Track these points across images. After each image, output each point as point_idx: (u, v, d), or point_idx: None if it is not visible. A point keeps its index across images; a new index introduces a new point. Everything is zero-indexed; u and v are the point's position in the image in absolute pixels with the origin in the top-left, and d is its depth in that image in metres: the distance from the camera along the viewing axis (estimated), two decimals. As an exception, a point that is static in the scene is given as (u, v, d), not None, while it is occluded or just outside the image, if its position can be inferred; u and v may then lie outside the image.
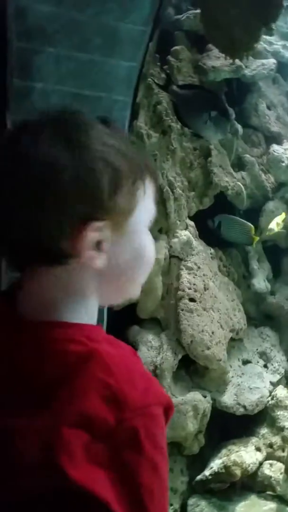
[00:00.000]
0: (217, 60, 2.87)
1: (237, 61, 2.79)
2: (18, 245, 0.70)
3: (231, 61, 2.81)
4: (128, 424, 0.61)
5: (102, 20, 1.70)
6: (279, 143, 3.22)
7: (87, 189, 0.67)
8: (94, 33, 1.73)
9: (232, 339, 2.78)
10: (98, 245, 0.70)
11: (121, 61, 1.88)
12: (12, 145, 0.69)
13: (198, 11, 2.68)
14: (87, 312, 0.73)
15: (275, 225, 2.92)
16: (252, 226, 2.80)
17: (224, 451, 2.42)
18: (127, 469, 0.60)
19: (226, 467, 2.24)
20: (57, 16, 1.66)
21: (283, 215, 3.00)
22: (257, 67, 3.07)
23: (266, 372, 2.77)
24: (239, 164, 3.14)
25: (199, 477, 2.35)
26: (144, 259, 0.78)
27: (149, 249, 0.78)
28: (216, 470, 2.27)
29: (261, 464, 2.38)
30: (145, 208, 0.77)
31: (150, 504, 0.60)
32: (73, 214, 0.67)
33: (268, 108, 3.27)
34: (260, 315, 3.12)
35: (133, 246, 0.75)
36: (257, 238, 2.85)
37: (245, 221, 2.84)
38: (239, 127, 3.06)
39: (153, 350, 2.52)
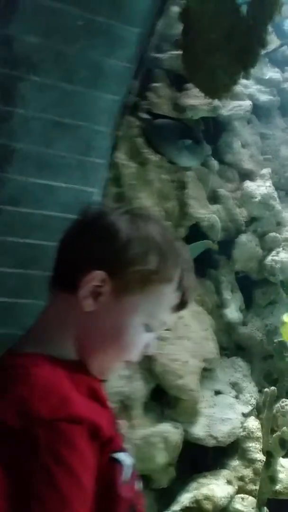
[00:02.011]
0: (195, 99, 2.99)
1: (215, 101, 2.93)
2: (59, 267, 0.87)
3: (209, 100, 2.95)
4: (30, 433, 0.66)
5: (88, 54, 1.78)
6: (252, 179, 3.35)
7: (117, 247, 0.82)
8: (79, 65, 1.80)
9: (204, 369, 2.78)
10: (96, 295, 0.81)
11: (104, 94, 1.95)
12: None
13: (180, 52, 2.82)
14: (60, 349, 0.80)
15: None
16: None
17: (194, 484, 2.38)
18: (21, 475, 0.64)
19: (197, 501, 2.20)
20: (44, 47, 1.73)
21: None
22: (233, 107, 3.22)
23: (238, 403, 2.77)
24: (214, 198, 3.24)
25: (168, 512, 2.29)
26: (120, 343, 0.82)
27: (129, 340, 0.83)
28: (187, 505, 2.22)
29: (232, 498, 2.34)
30: (150, 305, 0.83)
31: None
32: (96, 257, 0.82)
33: (243, 146, 3.41)
34: (232, 345, 3.14)
35: (117, 321, 0.82)
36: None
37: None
38: (215, 162, 3.18)
39: (122, 379, 2.50)
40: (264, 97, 3.55)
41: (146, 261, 0.82)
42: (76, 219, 0.90)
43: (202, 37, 2.43)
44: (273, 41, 3.55)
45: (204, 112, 3.03)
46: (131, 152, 2.77)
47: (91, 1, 1.71)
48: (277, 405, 2.66)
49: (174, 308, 0.87)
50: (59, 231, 0.92)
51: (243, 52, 2.26)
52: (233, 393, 2.89)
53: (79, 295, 0.81)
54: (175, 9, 2.63)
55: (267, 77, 3.60)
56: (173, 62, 3.03)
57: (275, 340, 3.07)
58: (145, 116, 2.57)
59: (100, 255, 0.82)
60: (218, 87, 2.56)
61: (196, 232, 3.05)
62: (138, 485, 0.86)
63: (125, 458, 0.81)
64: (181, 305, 0.88)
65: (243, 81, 3.33)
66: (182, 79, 3.02)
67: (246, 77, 2.36)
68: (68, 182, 1.96)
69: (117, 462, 0.79)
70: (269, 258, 3.18)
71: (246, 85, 3.48)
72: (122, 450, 0.82)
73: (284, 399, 2.78)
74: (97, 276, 0.81)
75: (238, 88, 3.26)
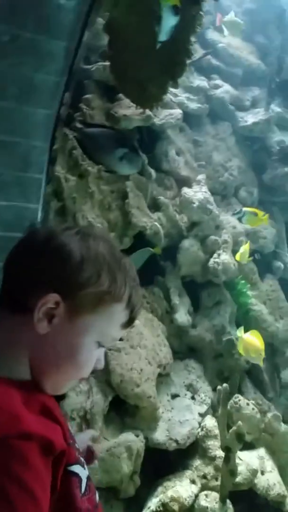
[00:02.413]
0: (128, 109, 3.05)
1: (147, 111, 3.00)
2: (9, 288, 0.86)
3: (141, 110, 3.01)
4: None
5: (18, 70, 1.76)
6: (189, 186, 3.45)
7: (70, 270, 0.83)
8: (10, 82, 1.78)
9: (159, 375, 2.82)
10: (51, 318, 0.82)
11: (37, 109, 1.94)
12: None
13: (107, 63, 2.87)
14: (12, 367, 0.81)
15: (244, 257, 3.13)
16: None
17: (160, 488, 2.40)
18: None
19: (163, 504, 2.22)
20: (-28, 65, 1.69)
21: (247, 245, 3.20)
22: (165, 116, 3.31)
23: (194, 404, 2.83)
24: (154, 206, 3.30)
25: (137, 520, 2.29)
26: (73, 362, 0.84)
27: (83, 358, 0.85)
28: (154, 509, 2.23)
29: (196, 496, 2.38)
30: (103, 323, 0.86)
31: None
32: (50, 280, 0.83)
33: (177, 154, 3.51)
34: (184, 348, 3.21)
35: (71, 342, 0.84)
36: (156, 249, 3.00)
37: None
38: (152, 171, 3.25)
39: (82, 395, 2.47)
40: (193, 105, 3.68)
41: (99, 283, 0.85)
42: (23, 239, 0.90)
43: (128, 49, 2.49)
44: (197, 51, 3.70)
45: (137, 122, 3.08)
46: (69, 165, 2.77)
47: (16, 17, 1.70)
48: (231, 401, 2.74)
49: (123, 325, 0.91)
50: (3, 251, 0.91)
51: (170, 62, 2.34)
52: (189, 394, 2.95)
53: (34, 317, 0.82)
54: (101, 21, 2.66)
55: (194, 85, 3.73)
56: (102, 73, 3.07)
57: (224, 339, 3.17)
58: (78, 125, 2.56)
59: (53, 277, 0.84)
60: (149, 97, 2.63)
61: (140, 241, 3.09)
62: (96, 497, 0.87)
63: (81, 470, 0.83)
64: (130, 322, 0.92)
65: (172, 90, 3.44)
66: (112, 90, 3.07)
67: (175, 86, 2.43)
68: (8, 199, 1.93)
69: (73, 474, 0.81)
70: (211, 260, 3.28)
71: (175, 94, 3.59)
72: (77, 462, 0.83)
73: (236, 395, 2.87)
74: (51, 299, 0.82)
75: (167, 97, 3.36)
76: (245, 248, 3.22)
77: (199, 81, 3.82)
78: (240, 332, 2.81)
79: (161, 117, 3.32)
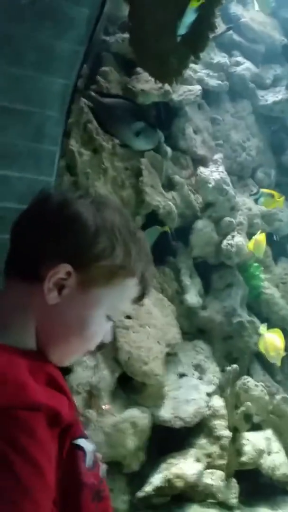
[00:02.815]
0: (146, 84, 2.98)
1: (166, 86, 2.92)
2: (19, 254, 0.84)
3: (159, 85, 2.94)
4: None
5: (37, 36, 1.71)
6: (205, 165, 3.39)
7: (84, 241, 0.81)
8: (28, 48, 1.74)
9: (167, 354, 2.82)
10: (61, 288, 0.80)
11: (54, 78, 1.89)
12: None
13: (127, 35, 2.79)
14: (19, 336, 0.79)
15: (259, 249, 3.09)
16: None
17: (164, 465, 2.42)
18: None
19: (167, 480, 2.24)
20: (-11, 30, 1.65)
21: (262, 235, 3.15)
22: (184, 92, 3.23)
23: (202, 384, 2.83)
24: (169, 185, 3.25)
25: (140, 494, 2.32)
26: (82, 334, 0.82)
27: (93, 331, 0.83)
28: (158, 485, 2.26)
29: (201, 474, 2.40)
30: (115, 297, 0.84)
31: None
32: (63, 250, 0.81)
33: (195, 132, 3.44)
34: (193, 328, 3.20)
35: (81, 314, 0.82)
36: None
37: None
38: (168, 149, 3.18)
39: (88, 370, 2.49)
40: (213, 82, 3.58)
41: (113, 256, 0.82)
42: (35, 204, 0.86)
43: (150, 21, 2.41)
44: (220, 26, 3.59)
45: (155, 97, 3.01)
46: (83, 139, 2.72)
47: (36, -20, 1.64)
48: (239, 382, 2.74)
49: (135, 300, 0.89)
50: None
51: (193, 35, 2.26)
52: (197, 374, 2.95)
53: (44, 287, 0.80)
54: (122, -10, 2.58)
55: (215, 62, 3.63)
56: (121, 46, 2.99)
57: (234, 321, 3.15)
58: (94, 96, 2.42)
59: (66, 248, 0.81)
60: (168, 71, 2.56)
61: (152, 220, 3.06)
62: (102, 471, 0.85)
63: (87, 444, 0.81)
64: (141, 297, 0.90)
65: (192, 66, 3.35)
66: (131, 63, 3.00)
67: (196, 60, 2.36)
68: (21, 171, 1.90)
69: (79, 448, 0.79)
70: (225, 242, 3.25)
71: (195, 70, 3.50)
72: (82, 436, 0.81)
73: (245, 376, 2.87)
74: (63, 269, 0.80)
75: (187, 72, 3.27)
76: (260, 240, 3.15)
77: (220, 58, 3.72)
78: (263, 329, 2.80)
79: (180, 93, 3.25)
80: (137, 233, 0.89)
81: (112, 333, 0.90)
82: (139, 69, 2.99)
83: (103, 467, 0.86)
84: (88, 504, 0.79)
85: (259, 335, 2.88)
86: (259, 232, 3.26)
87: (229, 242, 3.24)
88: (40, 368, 0.76)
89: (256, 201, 3.18)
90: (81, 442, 0.80)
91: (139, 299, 0.89)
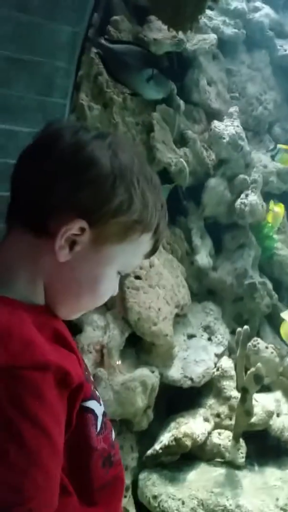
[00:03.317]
0: (158, 33, 2.80)
1: (180, 35, 2.75)
2: (25, 201, 0.76)
3: (173, 34, 2.76)
4: None
5: (43, -23, 1.58)
6: (220, 119, 3.24)
7: (101, 194, 0.74)
8: (34, -9, 1.60)
9: (177, 315, 2.81)
10: (73, 244, 0.75)
11: (63, 26, 1.76)
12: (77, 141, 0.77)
13: (139, -21, 2.60)
14: (25, 290, 0.73)
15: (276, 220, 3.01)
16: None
17: (173, 424, 2.46)
18: None
19: (176, 439, 2.28)
20: None
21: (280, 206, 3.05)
22: (198, 41, 3.05)
23: (211, 345, 2.84)
24: (181, 140, 3.13)
25: (149, 452, 2.37)
26: (94, 291, 0.79)
27: (104, 288, 0.80)
28: (167, 443, 2.30)
29: (209, 433, 2.45)
30: (129, 254, 0.80)
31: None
32: (77, 203, 0.74)
33: (209, 84, 3.27)
34: (203, 290, 3.18)
35: (96, 271, 0.78)
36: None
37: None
38: (181, 102, 3.04)
39: (99, 330, 2.49)
40: (229, 30, 3.37)
41: (131, 211, 0.76)
42: (43, 142, 0.77)
43: None
44: None
45: (168, 47, 2.84)
46: (93, 93, 2.60)
47: None
48: (249, 344, 2.74)
49: (147, 255, 0.85)
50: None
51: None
52: (206, 335, 2.95)
53: (55, 244, 0.73)
54: None
55: (232, 8, 3.40)
56: (132, -8, 2.81)
57: (246, 282, 3.11)
58: (103, 42, 2.25)
59: (81, 200, 0.74)
60: (183, 17, 2.38)
61: (163, 178, 2.96)
62: (112, 435, 0.82)
63: (97, 407, 0.77)
64: (153, 252, 0.85)
65: (207, 12, 3.15)
66: (143, 11, 2.82)
67: (215, 3, 2.18)
68: (30, 125, 1.80)
69: (89, 411, 0.75)
70: (238, 201, 3.15)
71: (209, 17, 3.29)
72: (93, 397, 0.77)
73: (255, 338, 2.87)
74: (76, 225, 0.74)
75: (202, 20, 3.07)
76: (278, 212, 3.06)
77: (237, 3, 3.47)
78: (286, 315, 2.76)
79: (194, 42, 3.06)
80: (153, 178, 0.82)
81: (118, 286, 0.86)
82: (151, 17, 2.81)
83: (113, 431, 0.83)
84: (98, 469, 0.76)
85: (282, 320, 2.84)
86: (271, 203, 3.17)
87: (243, 201, 3.15)
88: (47, 324, 0.71)
89: (273, 157, 3.06)
90: (92, 404, 0.76)
91: (151, 253, 0.85)
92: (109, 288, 0.81)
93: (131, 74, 2.30)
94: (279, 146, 3.05)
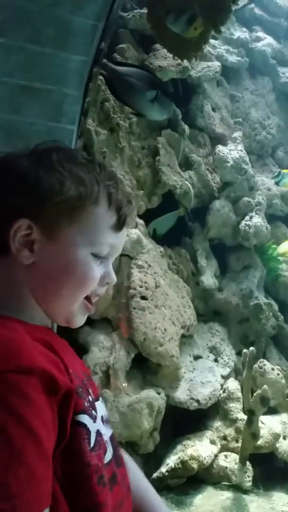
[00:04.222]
0: (164, 60, 2.90)
1: (184, 62, 2.84)
2: None
3: (177, 61, 2.86)
4: None
5: (54, 11, 1.65)
6: (223, 144, 3.32)
7: (28, 187, 0.76)
8: (46, 24, 1.68)
9: (183, 336, 2.81)
10: (30, 245, 0.76)
11: (72, 55, 1.84)
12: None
13: (145, 10, 2.70)
14: (19, 310, 0.76)
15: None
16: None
17: (179, 446, 2.44)
18: None
19: (182, 462, 2.26)
20: (7, 5, 1.60)
21: None
22: (202, 68, 3.14)
23: (217, 366, 2.83)
24: (186, 164, 3.20)
25: (155, 475, 2.35)
26: (74, 278, 0.77)
27: (82, 272, 0.78)
28: (173, 466, 2.28)
29: (216, 456, 2.42)
30: (88, 231, 0.78)
31: None
32: (11, 206, 0.76)
33: (213, 109, 3.36)
34: (209, 311, 3.18)
35: (64, 260, 0.77)
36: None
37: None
38: (185, 127, 3.12)
39: (105, 350, 2.49)
40: (232, 58, 3.48)
41: (64, 190, 0.76)
42: None
43: (169, -7, 2.32)
44: (241, -1, 3.46)
45: (173, 74, 2.94)
46: (100, 118, 2.68)
47: None
48: (255, 365, 2.73)
49: (115, 228, 0.82)
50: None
51: (213, 8, 2.17)
52: (212, 356, 2.95)
53: (12, 250, 0.75)
54: None
55: (235, 37, 3.52)
56: (138, 21, 2.91)
57: (251, 303, 3.12)
58: (108, 63, 2.30)
59: (15, 202, 0.76)
60: (188, 47, 2.47)
61: (169, 200, 3.02)
62: (107, 456, 0.80)
63: (90, 423, 0.76)
64: (120, 222, 0.82)
65: (211, 41, 3.25)
66: (149, 40, 2.92)
67: (218, 34, 2.27)
68: (39, 151, 1.86)
69: (80, 425, 0.74)
70: (243, 223, 3.19)
71: (213, 45, 3.40)
72: (85, 413, 0.76)
73: (261, 359, 2.86)
74: (21, 225, 0.75)
75: (206, 48, 3.18)
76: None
77: (240, 33, 3.60)
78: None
79: (198, 70, 3.16)
80: (89, 160, 0.83)
81: (114, 274, 0.84)
82: (157, 46, 2.91)
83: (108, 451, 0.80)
84: (94, 486, 0.74)
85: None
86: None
87: (247, 223, 3.19)
88: (38, 333, 0.72)
89: (277, 183, 3.11)
90: (84, 418, 0.75)
91: (119, 225, 0.82)
92: (87, 273, 0.78)
93: (135, 95, 2.34)
94: (282, 171, 3.11)
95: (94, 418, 0.77)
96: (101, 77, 2.40)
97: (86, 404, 0.76)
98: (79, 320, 0.82)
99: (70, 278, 0.77)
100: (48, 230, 0.76)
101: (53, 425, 0.66)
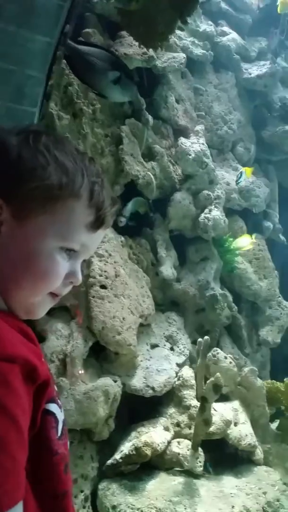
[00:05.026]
0: (129, 48, 2.88)
1: (150, 51, 2.83)
2: None
3: (143, 50, 2.84)
4: None
5: (18, -13, 1.61)
6: (186, 136, 3.34)
7: (8, 166, 0.72)
8: (8, 0, 1.63)
9: (141, 325, 2.83)
10: None
11: (36, 35, 1.80)
12: None
13: (112, -5, 2.65)
14: None
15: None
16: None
17: (133, 433, 2.47)
18: None
19: (136, 448, 2.28)
20: None
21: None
22: (168, 59, 3.14)
23: (173, 355, 2.87)
24: (149, 155, 3.20)
25: (109, 462, 2.36)
26: (35, 270, 0.74)
27: (44, 265, 0.74)
28: (127, 453, 2.30)
29: (169, 442, 2.47)
30: (61, 224, 0.74)
31: None
32: None
33: (177, 101, 3.37)
34: (167, 301, 3.22)
35: (28, 248, 0.73)
36: None
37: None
38: (149, 117, 3.11)
39: (62, 338, 2.48)
40: (197, 51, 3.50)
41: (45, 176, 0.72)
42: None
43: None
44: (208, -9, 3.48)
45: (138, 62, 2.92)
46: (63, 102, 2.62)
47: None
48: (209, 354, 2.80)
49: (90, 226, 0.78)
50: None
51: (181, -2, 2.17)
52: (168, 345, 2.99)
53: None
54: None
55: (201, 30, 3.53)
56: (105, 6, 2.86)
57: (207, 294, 3.18)
58: (69, 42, 2.18)
59: None
60: (154, 35, 2.46)
61: (131, 190, 3.01)
62: (68, 444, 0.81)
63: (58, 412, 0.76)
64: (98, 222, 0.78)
65: (177, 33, 3.26)
66: (115, 26, 2.88)
67: (184, 25, 2.27)
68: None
69: (50, 414, 0.74)
70: (202, 215, 3.24)
71: (179, 37, 3.40)
72: (54, 401, 0.76)
73: (215, 348, 2.93)
74: None
75: (172, 39, 3.18)
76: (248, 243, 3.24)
77: (206, 26, 3.62)
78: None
79: (164, 60, 3.15)
80: (80, 153, 0.79)
81: (80, 274, 0.80)
82: (123, 33, 2.88)
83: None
84: (61, 474, 0.76)
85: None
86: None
87: (207, 215, 3.23)
88: (14, 323, 0.72)
89: (237, 183, 3.21)
90: (53, 407, 0.75)
91: (96, 224, 0.78)
92: (51, 268, 0.74)
93: (97, 75, 2.28)
94: (241, 169, 3.20)
95: (60, 407, 0.78)
96: (64, 60, 2.35)
97: (54, 392, 0.77)
98: (41, 312, 0.79)
99: (31, 269, 0.73)
100: (19, 213, 0.72)
101: (29, 414, 0.66)
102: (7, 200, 0.72)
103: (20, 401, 0.64)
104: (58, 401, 0.79)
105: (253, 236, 3.42)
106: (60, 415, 0.77)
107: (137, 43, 2.70)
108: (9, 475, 0.59)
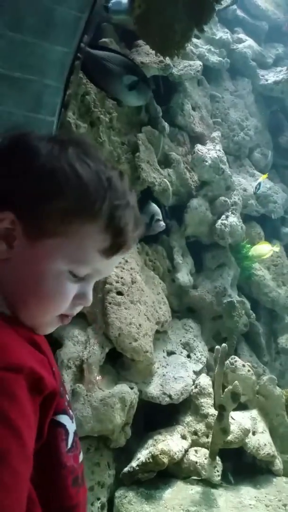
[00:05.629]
0: (146, 57, 2.90)
1: (166, 60, 2.85)
2: None
3: (160, 58, 2.86)
4: None
5: (38, 0, 1.64)
6: (202, 143, 3.35)
7: (27, 182, 0.69)
8: (27, 12, 1.66)
9: (157, 331, 2.83)
10: (10, 240, 0.70)
11: (54, 46, 1.82)
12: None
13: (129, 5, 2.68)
14: None
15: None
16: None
17: (150, 441, 2.46)
18: None
19: (153, 456, 2.27)
20: (-12, -10, 1.57)
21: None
22: (184, 67, 3.16)
23: (190, 362, 2.86)
24: (165, 162, 3.21)
25: (126, 469, 2.35)
26: (42, 291, 0.71)
27: (49, 288, 0.71)
28: (144, 460, 2.29)
29: (186, 451, 2.45)
30: (71, 248, 0.71)
31: None
32: (7, 194, 0.70)
33: (193, 109, 3.38)
34: (183, 307, 3.21)
35: (36, 269, 0.71)
36: None
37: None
38: (166, 124, 3.13)
39: (79, 345, 2.48)
40: (214, 58, 3.51)
41: (62, 196, 0.69)
42: None
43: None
44: (224, -1, 3.49)
45: (155, 71, 2.94)
46: (80, 111, 2.66)
47: None
48: (227, 361, 2.77)
49: (104, 252, 0.73)
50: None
51: (197, 6, 2.18)
52: (185, 352, 2.97)
53: None
54: None
55: (217, 38, 3.55)
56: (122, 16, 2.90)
57: (225, 301, 3.17)
58: (84, 47, 2.17)
59: (9, 190, 0.69)
60: (171, 44, 2.48)
61: (147, 197, 3.02)
62: (80, 456, 0.79)
63: (69, 423, 0.75)
64: (114, 248, 0.73)
65: (193, 41, 3.28)
66: (132, 35, 2.91)
67: (201, 33, 2.28)
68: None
69: (59, 425, 0.73)
70: (219, 222, 3.23)
71: (195, 44, 3.42)
72: (65, 413, 0.74)
73: (233, 356, 2.90)
74: (5, 218, 0.69)
75: (188, 47, 3.19)
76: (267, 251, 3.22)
77: (222, 33, 3.64)
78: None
79: (180, 68, 3.17)
80: (107, 170, 0.73)
81: (91, 296, 0.76)
82: (139, 42, 2.91)
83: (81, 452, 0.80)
84: (68, 488, 0.74)
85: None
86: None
87: (223, 222, 3.23)
88: (25, 333, 0.70)
89: (255, 193, 3.20)
90: (64, 419, 0.74)
91: (111, 251, 0.73)
92: (58, 291, 0.72)
93: (112, 80, 2.26)
94: (260, 179, 3.20)
95: (72, 418, 0.76)
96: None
97: (66, 403, 0.75)
98: (48, 331, 0.76)
99: (38, 291, 0.71)
100: (31, 232, 0.70)
101: (34, 426, 0.64)
102: (19, 216, 0.69)
103: (24, 412, 0.62)
104: (70, 411, 0.77)
105: (276, 245, 3.39)
106: (71, 427, 0.75)
107: (153, 52, 2.72)
108: (10, 490, 0.57)
